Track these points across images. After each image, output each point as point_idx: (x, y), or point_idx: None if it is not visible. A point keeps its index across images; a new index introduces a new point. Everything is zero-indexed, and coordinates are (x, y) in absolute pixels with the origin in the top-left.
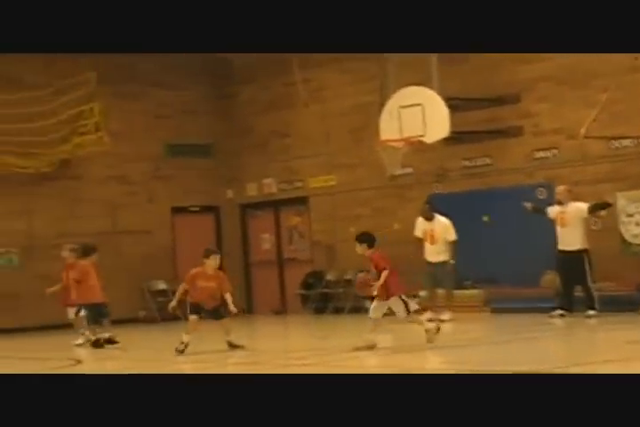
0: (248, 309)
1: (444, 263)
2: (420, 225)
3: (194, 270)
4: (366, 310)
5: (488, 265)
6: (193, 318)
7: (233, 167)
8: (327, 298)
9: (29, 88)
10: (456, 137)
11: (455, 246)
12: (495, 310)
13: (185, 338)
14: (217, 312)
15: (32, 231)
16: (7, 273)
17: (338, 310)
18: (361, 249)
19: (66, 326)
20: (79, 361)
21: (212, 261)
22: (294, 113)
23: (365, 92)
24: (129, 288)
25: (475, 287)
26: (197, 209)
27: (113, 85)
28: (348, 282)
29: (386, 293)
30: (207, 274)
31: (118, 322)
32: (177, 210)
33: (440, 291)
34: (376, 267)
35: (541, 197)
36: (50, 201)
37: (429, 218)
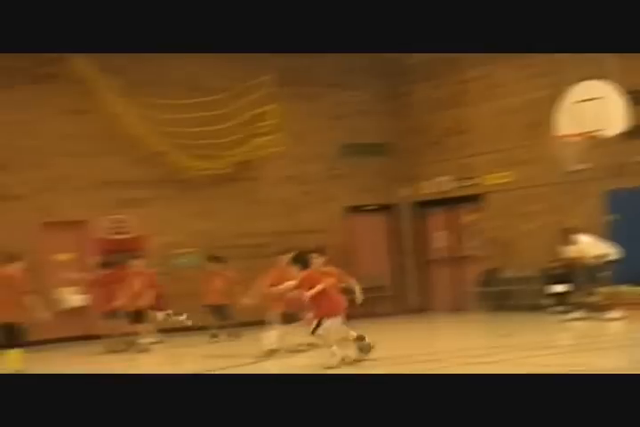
0: (424, 307)
1: None
2: None
3: (310, 274)
4: (545, 308)
5: None
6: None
7: (408, 165)
8: (504, 295)
9: (209, 92)
10: (635, 131)
11: None
12: None
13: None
14: None
15: (212, 232)
16: (189, 273)
17: (515, 308)
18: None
19: (249, 324)
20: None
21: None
22: (469, 110)
23: (540, 87)
24: None
25: None
26: (372, 208)
27: (290, 87)
28: (525, 279)
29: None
30: (323, 272)
31: None
32: (352, 209)
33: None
34: None
35: None
36: (229, 202)
37: None
